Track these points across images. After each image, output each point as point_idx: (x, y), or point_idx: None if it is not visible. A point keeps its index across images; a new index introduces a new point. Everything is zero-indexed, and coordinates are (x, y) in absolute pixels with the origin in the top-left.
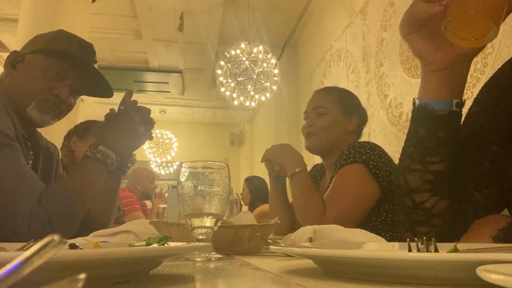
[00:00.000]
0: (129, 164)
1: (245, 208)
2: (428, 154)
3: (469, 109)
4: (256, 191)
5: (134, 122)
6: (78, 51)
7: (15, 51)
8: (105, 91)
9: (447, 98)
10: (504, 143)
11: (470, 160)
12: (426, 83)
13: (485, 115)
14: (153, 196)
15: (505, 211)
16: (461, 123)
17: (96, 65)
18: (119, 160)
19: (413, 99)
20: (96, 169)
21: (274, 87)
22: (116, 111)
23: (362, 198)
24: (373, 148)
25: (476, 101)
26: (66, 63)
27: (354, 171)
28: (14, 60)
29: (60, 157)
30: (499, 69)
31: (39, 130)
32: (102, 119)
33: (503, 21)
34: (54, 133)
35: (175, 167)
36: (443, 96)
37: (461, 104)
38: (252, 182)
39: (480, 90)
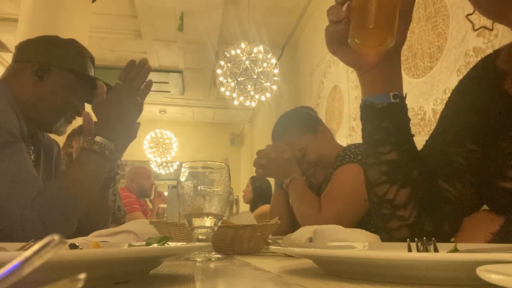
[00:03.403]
0: (119, 172)
1: (246, 207)
2: (377, 145)
3: (442, 111)
4: (259, 191)
5: (129, 100)
6: (92, 69)
7: (40, 61)
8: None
9: (383, 92)
10: (479, 141)
11: (443, 157)
12: (362, 84)
13: (460, 116)
14: (152, 193)
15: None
16: (436, 124)
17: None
18: (120, 149)
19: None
20: (95, 162)
21: (274, 87)
22: (104, 91)
23: (358, 195)
24: None
25: (448, 103)
26: (86, 83)
27: (349, 171)
28: (41, 70)
29: (62, 154)
30: (467, 73)
31: None
32: None
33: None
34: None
35: (175, 167)
36: (379, 91)
37: (398, 96)
38: (257, 181)
39: (451, 94)
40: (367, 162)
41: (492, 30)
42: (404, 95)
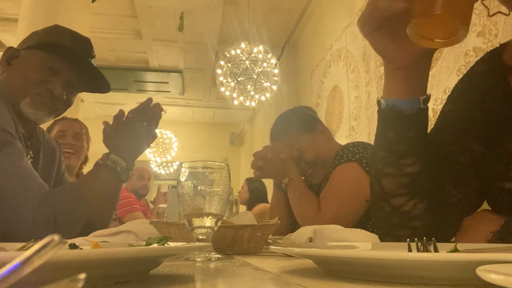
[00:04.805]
0: (132, 171)
1: (243, 207)
2: (401, 157)
3: (444, 107)
4: (255, 192)
5: (143, 128)
6: (71, 45)
7: (10, 48)
8: (102, 86)
9: (414, 96)
10: (482, 140)
11: (448, 159)
12: (391, 81)
13: (463, 114)
14: (144, 194)
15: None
16: (437, 120)
17: (93, 59)
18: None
19: (378, 99)
20: (106, 176)
21: (274, 87)
22: (124, 114)
23: (357, 194)
24: (366, 147)
25: (451, 98)
26: (59, 57)
27: (348, 169)
28: (10, 56)
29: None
30: (472, 67)
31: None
32: (101, 119)
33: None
34: None
35: (175, 167)
36: (409, 94)
37: (427, 99)
38: (253, 183)
39: (454, 88)
40: (384, 171)
41: (508, 15)
42: (429, 97)
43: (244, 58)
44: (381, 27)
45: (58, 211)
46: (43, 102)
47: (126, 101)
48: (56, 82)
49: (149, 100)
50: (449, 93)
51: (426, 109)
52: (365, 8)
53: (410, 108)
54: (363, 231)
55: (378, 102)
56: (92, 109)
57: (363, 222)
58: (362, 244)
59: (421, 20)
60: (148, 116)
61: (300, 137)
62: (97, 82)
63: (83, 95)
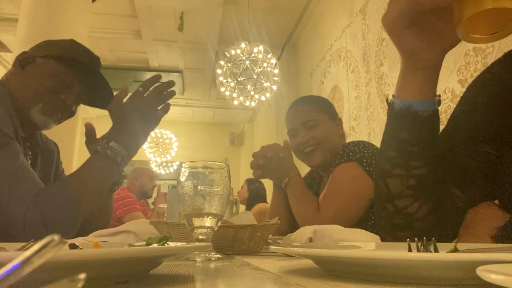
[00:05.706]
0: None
1: (242, 207)
2: (412, 158)
3: (456, 108)
4: (255, 192)
5: (151, 108)
6: (88, 61)
7: (25, 52)
8: (105, 103)
9: (431, 97)
10: (493, 142)
11: (456, 160)
12: (409, 82)
13: (475, 115)
14: (154, 193)
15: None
16: (448, 122)
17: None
18: (131, 155)
19: (388, 99)
20: (105, 166)
21: (274, 87)
22: (127, 93)
23: (357, 194)
24: (367, 147)
25: (463, 100)
26: (75, 71)
27: (348, 169)
28: (24, 60)
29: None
30: (487, 68)
31: None
32: (102, 119)
33: None
34: (54, 134)
35: (175, 167)
36: (427, 96)
37: (440, 101)
38: (253, 183)
39: (466, 90)
40: (392, 172)
41: None
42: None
43: (244, 58)
44: (412, 25)
45: (47, 215)
46: (53, 110)
47: None
48: (69, 94)
49: (157, 77)
50: (449, 94)
51: (438, 110)
52: (391, 5)
53: (426, 110)
54: (363, 231)
55: (390, 103)
56: (92, 109)
57: (363, 222)
58: (362, 244)
59: (470, 19)
60: (158, 98)
61: (320, 114)
62: (103, 97)
63: None
